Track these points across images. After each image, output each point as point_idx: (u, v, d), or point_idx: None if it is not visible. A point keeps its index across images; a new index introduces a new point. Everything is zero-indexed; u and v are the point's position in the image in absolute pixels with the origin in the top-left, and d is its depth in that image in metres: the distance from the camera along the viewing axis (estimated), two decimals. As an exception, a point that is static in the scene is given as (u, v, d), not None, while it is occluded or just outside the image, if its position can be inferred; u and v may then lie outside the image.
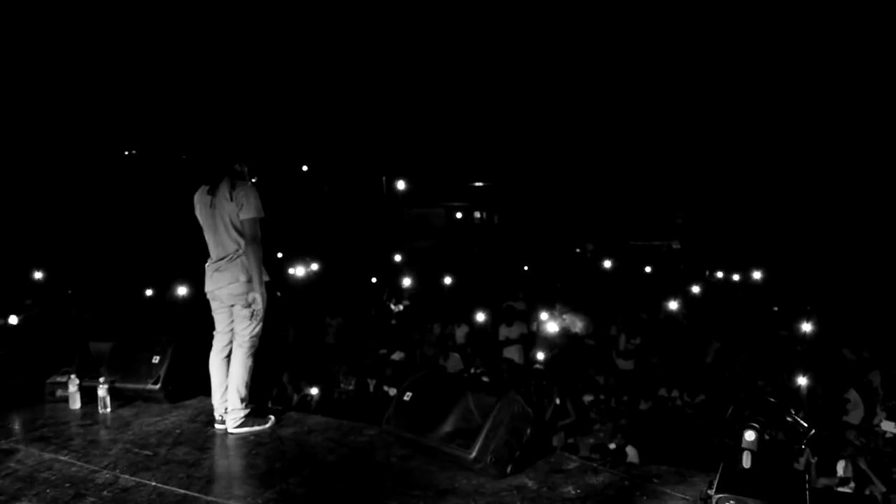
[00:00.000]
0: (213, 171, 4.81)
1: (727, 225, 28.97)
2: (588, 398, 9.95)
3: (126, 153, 26.12)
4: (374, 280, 19.16)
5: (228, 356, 4.94)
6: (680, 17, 27.30)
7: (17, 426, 5.18)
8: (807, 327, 11.27)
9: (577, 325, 12.63)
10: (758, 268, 18.70)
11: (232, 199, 4.71)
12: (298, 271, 17.54)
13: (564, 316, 12.62)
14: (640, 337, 12.07)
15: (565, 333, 12.32)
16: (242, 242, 4.74)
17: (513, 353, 11.66)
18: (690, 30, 27.68)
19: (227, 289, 4.77)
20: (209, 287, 4.89)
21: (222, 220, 4.74)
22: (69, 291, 14.68)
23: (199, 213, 4.87)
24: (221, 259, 4.79)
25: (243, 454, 4.51)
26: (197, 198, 4.89)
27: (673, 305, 14.01)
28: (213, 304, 4.99)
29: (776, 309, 14.89)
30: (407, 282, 16.48)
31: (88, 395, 5.56)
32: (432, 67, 29.64)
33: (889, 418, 8.03)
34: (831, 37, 25.14)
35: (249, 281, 4.74)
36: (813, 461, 7.56)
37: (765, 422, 3.56)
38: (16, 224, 18.63)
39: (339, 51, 27.22)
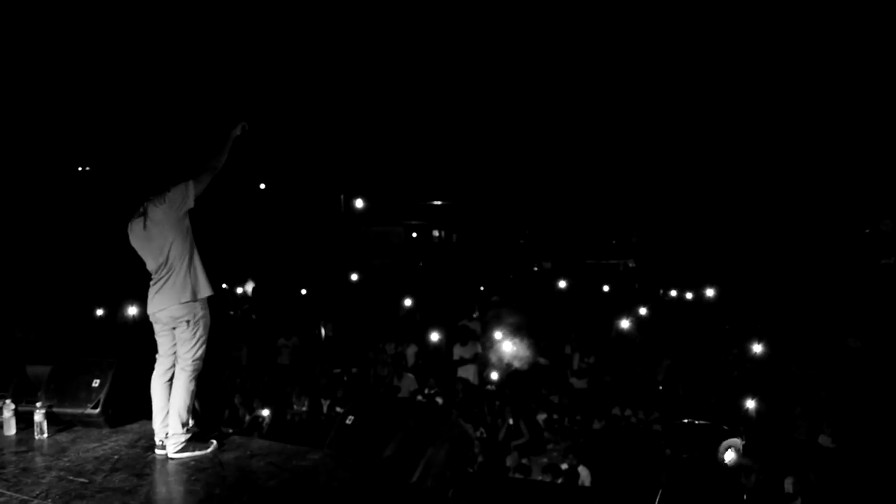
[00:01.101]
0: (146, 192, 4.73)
1: (681, 244, 29.37)
2: (542, 417, 9.97)
3: (80, 169, 25.67)
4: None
5: (171, 380, 4.83)
6: (634, 40, 27.73)
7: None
8: (757, 347, 11.45)
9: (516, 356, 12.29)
10: (711, 286, 18.97)
11: (165, 202, 4.64)
12: (253, 291, 17.35)
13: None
14: (594, 356, 12.14)
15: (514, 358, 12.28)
16: (182, 243, 4.66)
17: (467, 373, 11.64)
18: (644, 52, 28.12)
19: (168, 311, 4.67)
20: (150, 308, 4.79)
21: (158, 228, 4.64)
22: (14, 311, 14.32)
23: (135, 240, 4.76)
24: (161, 278, 4.68)
25: (182, 480, 4.40)
26: (130, 227, 4.78)
27: (626, 324, 14.12)
28: (156, 327, 4.88)
29: (727, 327, 15.09)
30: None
31: (25, 421, 5.39)
32: (391, 86, 29.71)
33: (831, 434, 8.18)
34: (791, 57, 25.71)
35: (192, 301, 4.65)
36: (759, 479, 7.65)
37: (694, 453, 3.60)
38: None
39: (297, 70, 27.14)
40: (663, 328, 15.17)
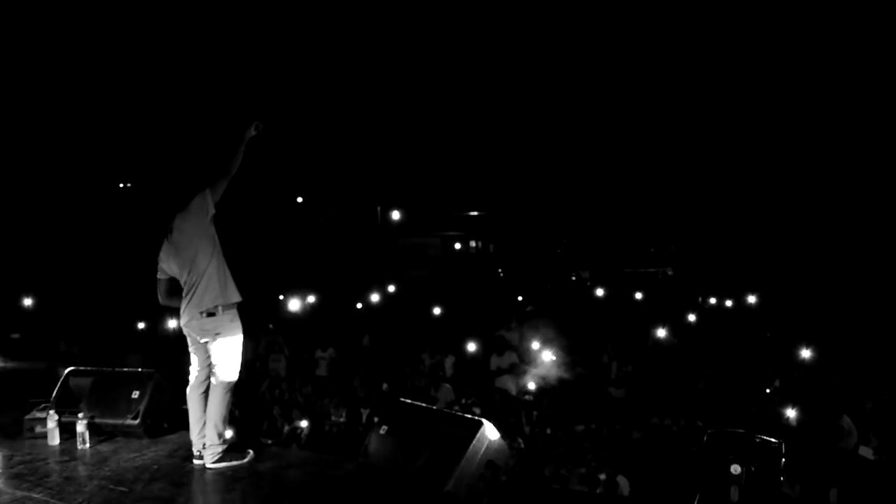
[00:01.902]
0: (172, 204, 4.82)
1: (721, 251, 28.99)
2: (579, 427, 9.88)
3: (121, 185, 26.19)
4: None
5: (205, 392, 4.89)
6: (672, 50, 27.52)
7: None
8: (804, 353, 11.23)
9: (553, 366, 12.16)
10: (751, 293, 18.67)
11: (190, 213, 4.72)
12: (291, 303, 17.48)
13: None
14: (631, 365, 12.02)
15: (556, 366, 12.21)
16: (209, 251, 4.72)
17: (504, 383, 11.58)
18: (682, 61, 27.87)
19: (198, 322, 4.74)
20: (183, 319, 4.87)
21: (186, 239, 4.73)
22: (58, 324, 14.63)
23: (165, 254, 4.85)
24: (192, 287, 4.74)
25: (219, 489, 4.46)
26: (163, 250, 4.88)
27: (664, 332, 13.96)
28: (189, 340, 4.96)
29: (769, 335, 14.84)
30: None
31: (68, 431, 5.51)
32: (428, 98, 29.83)
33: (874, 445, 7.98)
34: (821, 63, 25.33)
35: (221, 306, 4.71)
36: (800, 489, 7.50)
37: (740, 455, 3.55)
38: (9, 253, 18.59)
39: (335, 82, 27.39)
40: (703, 336, 14.96)
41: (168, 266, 4.83)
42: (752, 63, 26.84)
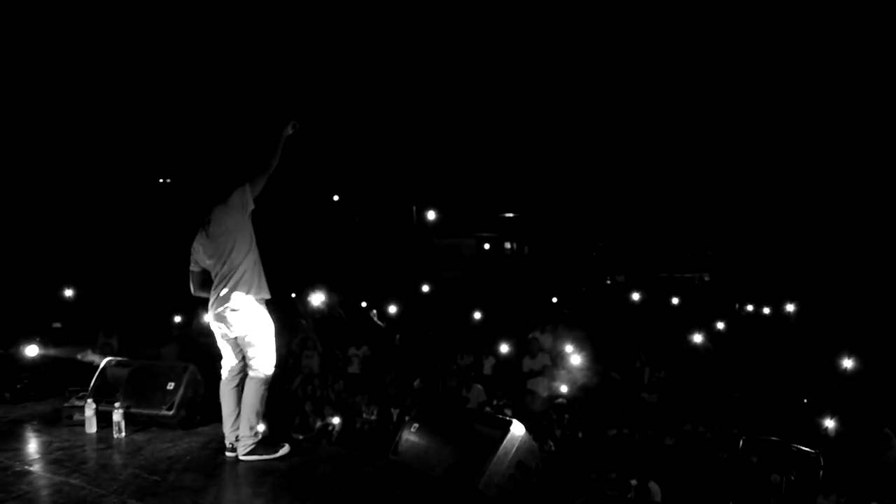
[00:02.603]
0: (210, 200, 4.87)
1: (759, 258, 28.59)
2: (611, 432, 9.80)
3: (161, 181, 26.57)
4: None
5: (238, 385, 4.94)
6: (711, 51, 27.18)
7: (33, 449, 5.23)
8: (847, 363, 11.01)
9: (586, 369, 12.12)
10: (791, 301, 18.37)
11: (229, 206, 4.77)
12: (323, 301, 17.58)
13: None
14: (664, 370, 11.90)
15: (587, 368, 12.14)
16: (245, 246, 4.77)
17: (536, 385, 11.54)
18: (727, 66, 27.54)
19: (229, 317, 4.77)
20: (210, 314, 4.90)
21: (223, 232, 4.77)
22: (98, 315, 14.87)
23: (201, 246, 4.89)
24: (224, 279, 4.77)
25: (250, 482, 4.50)
26: (198, 235, 4.93)
27: (699, 338, 13.79)
28: (217, 334, 4.99)
29: (808, 344, 14.58)
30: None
31: (105, 420, 5.62)
32: (465, 98, 29.83)
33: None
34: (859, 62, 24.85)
35: (252, 302, 4.74)
36: (842, 500, 7.36)
37: (778, 464, 3.50)
38: (47, 246, 18.96)
39: (372, 81, 27.52)
40: (740, 343, 14.76)
41: (201, 257, 4.88)
42: (792, 66, 26.43)
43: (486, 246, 37.65)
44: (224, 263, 4.76)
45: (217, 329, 4.91)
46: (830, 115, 26.37)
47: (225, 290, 4.76)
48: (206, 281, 4.97)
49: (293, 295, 15.80)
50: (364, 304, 16.65)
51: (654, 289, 24.46)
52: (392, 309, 16.72)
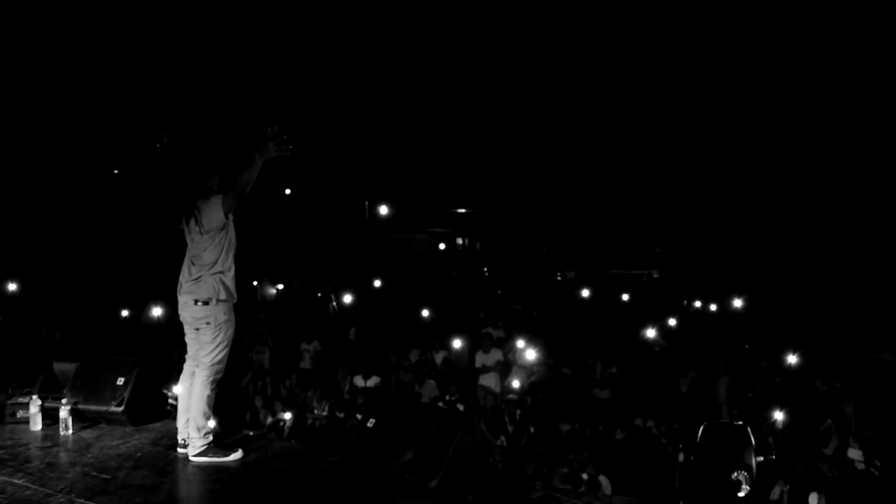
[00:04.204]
0: (187, 196, 4.78)
1: (706, 254, 29.13)
2: (564, 427, 9.90)
3: (112, 172, 25.97)
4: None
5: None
6: (657, 52, 27.60)
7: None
8: (791, 359, 11.29)
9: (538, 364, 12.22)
10: (737, 297, 18.76)
11: (208, 205, 4.70)
12: (276, 295, 17.44)
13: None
14: (616, 366, 12.05)
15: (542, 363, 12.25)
16: (220, 245, 4.70)
17: (489, 381, 11.59)
18: (666, 64, 27.98)
19: (191, 311, 4.70)
20: (179, 309, 4.84)
21: (201, 228, 4.69)
22: (41, 309, 14.50)
23: (188, 238, 4.84)
24: (190, 278, 4.72)
25: (203, 479, 4.43)
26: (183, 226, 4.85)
27: (650, 334, 14.01)
28: (185, 328, 4.91)
29: (752, 339, 14.92)
30: None
31: (51, 417, 5.47)
32: (416, 93, 29.80)
33: (860, 448, 8.04)
34: (821, 65, 25.45)
35: (214, 303, 4.67)
36: (785, 489, 7.56)
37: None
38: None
39: (323, 76, 27.32)
40: (688, 339, 15.03)
41: (189, 242, 4.82)
42: (734, 66, 26.97)
43: (439, 242, 37.70)
44: (196, 258, 4.71)
45: (182, 319, 4.84)
46: (769, 114, 26.97)
47: (191, 287, 4.70)
48: None
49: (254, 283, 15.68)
50: (320, 294, 16.56)
51: (604, 285, 24.76)
52: (347, 299, 16.65)
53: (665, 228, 33.29)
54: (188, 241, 4.82)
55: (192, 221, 4.74)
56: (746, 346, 14.30)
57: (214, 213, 4.69)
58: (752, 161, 28.25)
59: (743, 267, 25.96)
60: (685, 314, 18.37)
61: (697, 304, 20.17)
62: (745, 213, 28.78)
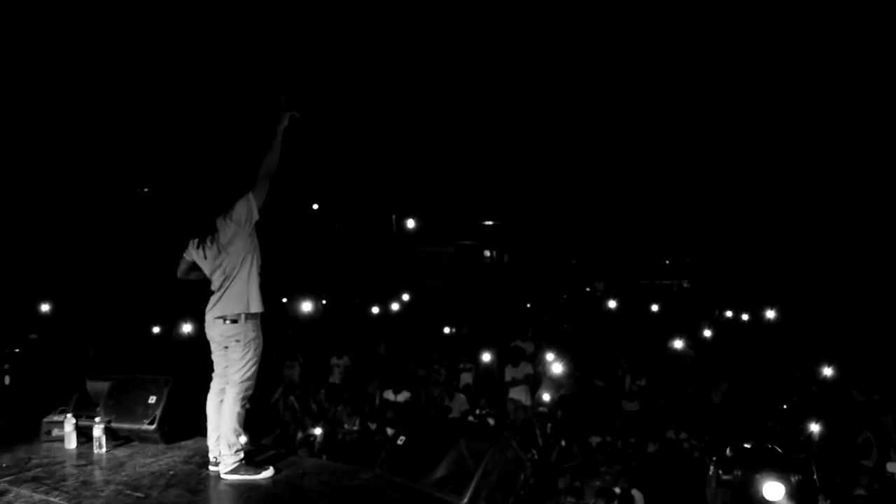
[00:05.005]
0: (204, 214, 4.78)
1: (738, 264, 28.80)
2: (595, 440, 9.83)
3: (139, 190, 26.33)
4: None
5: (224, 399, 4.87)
6: (691, 62, 27.41)
7: (11, 466, 5.12)
8: (827, 369, 11.10)
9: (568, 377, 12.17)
10: (769, 307, 18.52)
11: (233, 219, 4.66)
12: (306, 310, 17.52)
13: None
14: (645, 378, 11.95)
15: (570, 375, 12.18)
16: (246, 256, 4.67)
17: (519, 394, 11.54)
18: (701, 73, 27.77)
19: (219, 329, 4.70)
20: (206, 327, 4.84)
21: (227, 243, 4.66)
22: (76, 326, 14.72)
23: (200, 257, 4.76)
24: (220, 290, 4.69)
25: (235, 497, 4.44)
26: (198, 245, 4.76)
27: (679, 345, 13.88)
28: (212, 346, 4.91)
29: (787, 350, 14.71)
30: None
31: (85, 435, 5.52)
32: (445, 106, 29.87)
33: (897, 460, 7.88)
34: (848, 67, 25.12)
35: (243, 320, 4.67)
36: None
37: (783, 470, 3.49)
38: (25, 256, 18.72)
39: (351, 90, 27.49)
40: (720, 350, 14.86)
41: (202, 263, 4.77)
42: (777, 74, 26.67)
43: (467, 254, 37.64)
44: (221, 275, 4.68)
45: (210, 338, 4.83)
46: (809, 122, 26.63)
47: (218, 302, 4.69)
48: (194, 268, 4.86)
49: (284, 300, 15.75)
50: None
51: (633, 296, 24.58)
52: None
53: (695, 238, 33.00)
54: (200, 261, 4.76)
55: (209, 240, 4.70)
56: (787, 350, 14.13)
57: (248, 212, 4.65)
58: (783, 168, 27.95)
59: (776, 275, 25.62)
60: (717, 324, 18.17)
61: (729, 313, 19.95)
62: (777, 220, 28.43)
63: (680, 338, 14.04)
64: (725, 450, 4.08)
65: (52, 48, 19.86)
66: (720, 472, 3.88)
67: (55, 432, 5.69)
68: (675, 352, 13.90)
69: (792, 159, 27.67)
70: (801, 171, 27.38)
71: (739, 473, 3.72)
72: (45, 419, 5.81)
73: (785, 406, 10.76)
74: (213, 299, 4.76)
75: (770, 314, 18.14)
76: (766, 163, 28.41)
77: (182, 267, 4.92)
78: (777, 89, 26.95)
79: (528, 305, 21.79)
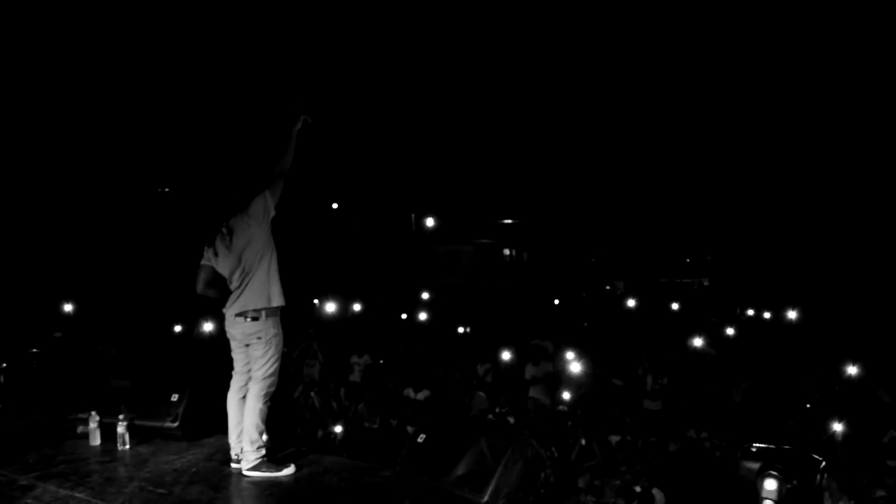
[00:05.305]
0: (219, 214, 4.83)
1: (758, 261, 28.56)
2: (615, 439, 9.79)
3: (160, 191, 26.54)
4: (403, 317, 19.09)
5: (245, 396, 4.91)
6: (709, 60, 27.23)
7: (37, 462, 5.20)
8: (851, 368, 10.98)
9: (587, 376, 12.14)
10: (791, 306, 18.34)
11: (249, 216, 4.73)
12: (326, 308, 17.58)
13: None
14: (667, 377, 11.87)
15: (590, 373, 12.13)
16: (263, 252, 4.73)
17: (539, 393, 11.51)
18: (723, 73, 27.57)
19: (241, 327, 4.74)
20: (226, 325, 4.88)
21: (244, 241, 4.71)
22: (100, 324, 14.88)
23: (216, 256, 4.81)
24: (239, 287, 4.73)
25: (256, 494, 4.48)
26: (213, 244, 4.83)
27: (700, 343, 13.79)
28: (232, 344, 4.94)
29: (810, 348, 14.58)
30: None
31: (109, 432, 5.59)
32: (464, 106, 29.87)
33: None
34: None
35: (264, 317, 4.71)
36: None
37: (784, 469, 3.47)
38: (48, 256, 18.95)
39: (370, 90, 27.55)
40: (741, 348, 14.75)
41: (218, 265, 4.80)
42: (803, 70, 26.43)
43: (486, 253, 37.58)
44: (240, 273, 4.72)
45: (230, 336, 4.88)
46: (829, 119, 26.37)
47: (239, 298, 4.73)
48: (214, 281, 4.89)
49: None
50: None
51: (653, 294, 24.46)
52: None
53: (715, 236, 32.76)
54: (214, 262, 4.81)
55: (219, 240, 4.76)
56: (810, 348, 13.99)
57: (264, 209, 4.73)
58: (807, 165, 27.68)
59: (799, 274, 25.39)
60: (738, 323, 18.03)
61: (750, 312, 19.80)
62: (800, 218, 28.16)
63: (701, 335, 13.95)
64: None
65: (79, 54, 20.08)
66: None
67: (80, 429, 5.77)
68: (696, 350, 13.81)
69: (816, 155, 27.40)
70: (825, 167, 27.11)
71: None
72: (70, 416, 5.89)
73: (808, 405, 10.66)
74: (232, 297, 4.81)
75: (792, 314, 17.95)
76: (789, 159, 28.16)
77: (201, 277, 4.91)
78: (804, 85, 26.71)
79: (548, 303, 21.73)
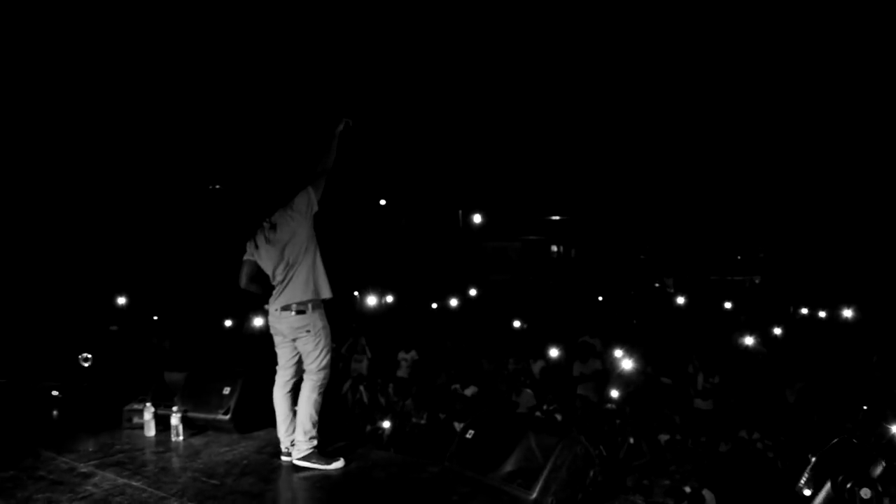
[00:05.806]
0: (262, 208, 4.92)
1: (813, 258, 27.93)
2: (664, 438, 9.67)
3: (210, 187, 26.98)
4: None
5: (292, 391, 4.96)
6: (761, 54, 26.67)
7: (96, 451, 5.35)
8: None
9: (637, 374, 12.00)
10: (847, 304, 17.89)
11: (293, 210, 4.80)
12: (370, 303, 17.70)
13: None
14: (718, 376, 11.69)
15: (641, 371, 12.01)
16: (307, 246, 4.79)
17: (587, 390, 11.44)
18: (780, 69, 26.98)
19: (288, 321, 4.79)
20: (271, 320, 4.93)
21: (288, 236, 4.77)
22: (153, 319, 15.19)
23: (259, 251, 4.86)
24: (284, 280, 4.77)
25: (306, 488, 4.54)
26: (255, 240, 4.89)
27: (752, 342, 13.53)
28: (276, 339, 4.99)
29: (865, 349, 14.21)
30: None
31: (163, 423, 5.73)
32: (511, 101, 29.74)
33: None
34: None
35: (310, 309, 4.76)
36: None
37: (847, 476, 3.39)
38: (104, 252, 19.40)
39: (417, 86, 27.60)
40: (795, 347, 14.44)
41: (261, 259, 4.86)
42: (859, 68, 25.75)
43: (534, 249, 37.42)
44: (285, 267, 4.77)
45: (275, 331, 4.94)
46: (886, 115, 25.63)
47: (284, 292, 4.78)
48: (257, 276, 4.95)
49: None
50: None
51: (703, 292, 24.10)
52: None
53: (768, 232, 32.11)
54: (256, 257, 4.87)
55: (262, 234, 4.83)
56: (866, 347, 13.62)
57: (308, 204, 4.82)
58: (860, 160, 26.98)
59: (854, 270, 24.77)
60: (791, 321, 17.66)
61: (804, 310, 19.37)
62: (855, 214, 27.46)
63: (753, 334, 13.69)
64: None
65: (138, 56, 20.50)
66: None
67: (135, 420, 5.92)
68: (748, 348, 13.57)
69: (874, 151, 26.68)
70: (876, 163, 26.39)
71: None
72: (126, 408, 6.04)
73: (865, 407, 10.39)
74: (276, 292, 4.86)
75: (848, 312, 17.50)
76: (843, 155, 27.46)
77: (245, 271, 4.97)
78: (865, 83, 26.00)
79: (597, 301, 21.55)
